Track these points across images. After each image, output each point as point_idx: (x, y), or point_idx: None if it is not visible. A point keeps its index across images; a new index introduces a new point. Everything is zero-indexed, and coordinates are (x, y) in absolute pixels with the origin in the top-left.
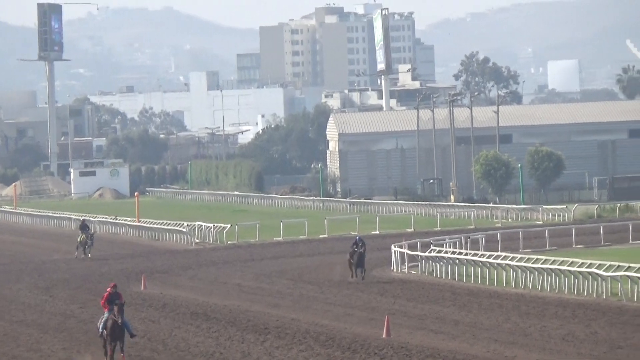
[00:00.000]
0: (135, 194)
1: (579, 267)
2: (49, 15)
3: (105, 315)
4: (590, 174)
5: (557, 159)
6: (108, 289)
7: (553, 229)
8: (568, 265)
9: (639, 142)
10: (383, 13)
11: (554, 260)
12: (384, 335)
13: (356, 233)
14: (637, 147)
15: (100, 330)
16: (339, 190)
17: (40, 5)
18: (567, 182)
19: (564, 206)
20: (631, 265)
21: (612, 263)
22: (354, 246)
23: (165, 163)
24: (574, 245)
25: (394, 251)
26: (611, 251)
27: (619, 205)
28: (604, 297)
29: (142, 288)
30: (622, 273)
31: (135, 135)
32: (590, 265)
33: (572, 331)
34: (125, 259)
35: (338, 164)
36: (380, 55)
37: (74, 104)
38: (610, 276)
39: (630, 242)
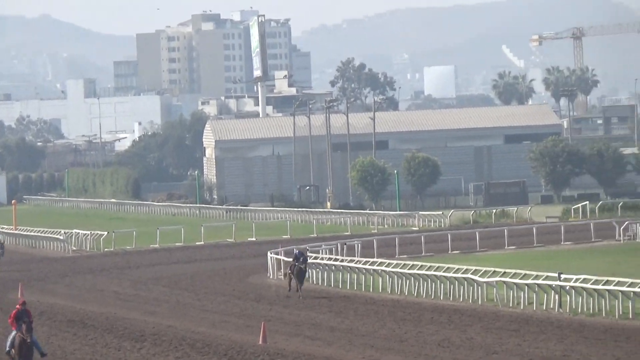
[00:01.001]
0: (13, 201)
1: (454, 272)
2: None
3: (13, 333)
4: (466, 179)
5: (433, 165)
6: (17, 306)
7: (429, 234)
8: (444, 271)
9: (515, 147)
10: (259, 20)
11: (430, 266)
12: (260, 342)
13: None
14: (512, 153)
15: (7, 348)
16: (216, 197)
17: None
18: (443, 188)
19: (440, 212)
20: (507, 270)
21: (488, 269)
22: (295, 260)
23: (42, 171)
24: (450, 251)
25: (270, 258)
26: (487, 257)
27: (494, 210)
28: (480, 302)
29: (19, 296)
30: (497, 279)
31: (12, 143)
32: (466, 271)
33: (448, 337)
34: (2, 267)
35: (215, 171)
36: (256, 62)
37: None
38: (486, 282)
39: (506, 247)
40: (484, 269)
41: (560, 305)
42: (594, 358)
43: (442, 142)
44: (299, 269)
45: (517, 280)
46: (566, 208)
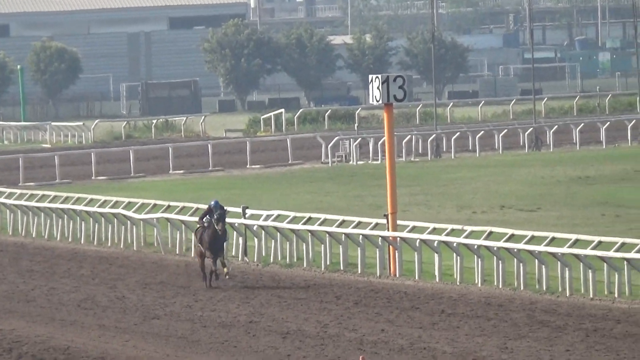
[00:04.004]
0: None
1: (100, 206)
2: None
3: None
4: (116, 79)
5: (72, 59)
6: None
7: (66, 154)
8: (85, 204)
9: (183, 35)
10: None
11: (67, 198)
12: None
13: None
14: (180, 42)
15: None
16: None
17: None
18: (85, 90)
19: (81, 123)
20: (172, 204)
21: (147, 201)
22: (206, 217)
23: None
24: (94, 177)
25: None
26: (145, 185)
27: (155, 121)
28: (135, 248)
29: None
30: (160, 215)
31: None
32: (116, 205)
33: (91, 295)
34: None
35: None
36: None
37: None
38: (143, 219)
39: (171, 172)
40: (141, 201)
41: (245, 253)
42: (291, 325)
43: (84, 27)
44: (212, 235)
45: (186, 218)
46: (254, 118)
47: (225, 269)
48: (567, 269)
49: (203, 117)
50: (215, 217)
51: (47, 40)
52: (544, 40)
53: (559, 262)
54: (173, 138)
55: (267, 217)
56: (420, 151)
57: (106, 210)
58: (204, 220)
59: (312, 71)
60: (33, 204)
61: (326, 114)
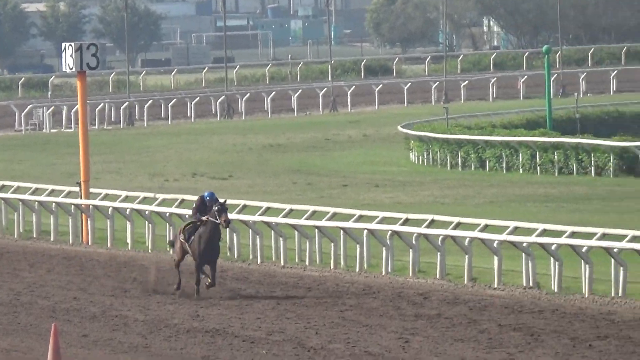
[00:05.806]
0: None
1: None
2: None
3: None
4: None
5: None
6: None
7: None
8: None
9: None
10: None
11: None
12: None
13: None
14: None
15: None
16: None
17: None
18: None
19: None
20: None
21: None
22: (199, 211)
23: None
24: None
25: None
26: None
27: None
28: None
29: None
30: None
31: None
32: None
33: None
34: None
35: None
36: None
37: None
38: None
39: None
40: None
41: None
42: None
43: None
44: (209, 235)
45: None
46: None
47: (208, 279)
48: (258, 236)
49: None
50: (216, 208)
51: None
52: (236, 8)
53: (250, 230)
54: None
55: None
56: (113, 119)
57: None
58: (197, 216)
59: (5, 39)
60: None
61: (20, 82)
